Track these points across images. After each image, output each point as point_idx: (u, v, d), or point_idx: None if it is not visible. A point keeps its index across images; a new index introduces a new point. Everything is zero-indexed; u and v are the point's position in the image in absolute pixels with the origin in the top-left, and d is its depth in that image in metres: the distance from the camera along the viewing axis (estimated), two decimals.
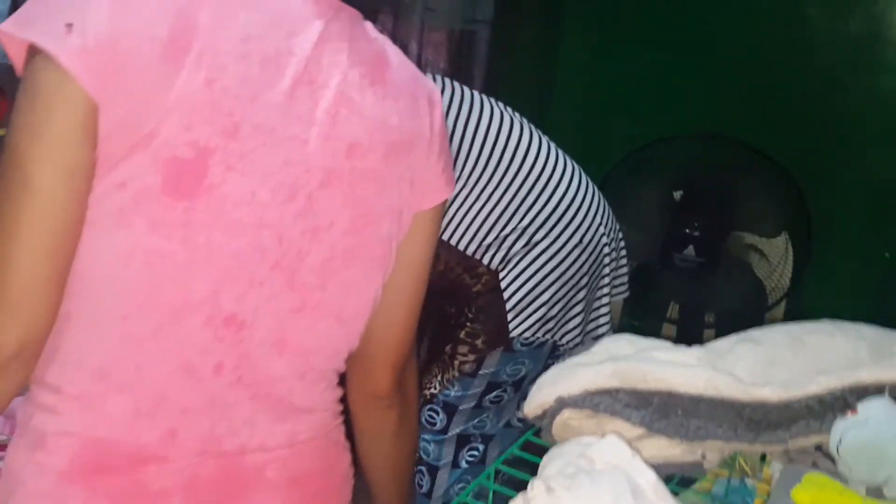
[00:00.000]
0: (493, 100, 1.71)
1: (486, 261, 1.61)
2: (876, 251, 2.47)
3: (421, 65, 2.52)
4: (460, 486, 1.76)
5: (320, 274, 0.87)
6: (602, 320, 1.75)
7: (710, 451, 0.94)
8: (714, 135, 2.26)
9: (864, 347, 0.99)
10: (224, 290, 0.82)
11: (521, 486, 0.82)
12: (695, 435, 0.92)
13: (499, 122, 1.64)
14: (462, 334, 1.69)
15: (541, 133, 1.70)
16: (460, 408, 1.68)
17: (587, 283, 1.66)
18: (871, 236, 2.48)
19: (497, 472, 1.04)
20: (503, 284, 1.61)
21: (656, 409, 0.93)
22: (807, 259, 2.24)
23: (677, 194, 2.33)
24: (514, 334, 1.61)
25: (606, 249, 1.68)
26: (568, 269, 1.63)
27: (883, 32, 2.39)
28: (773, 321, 2.24)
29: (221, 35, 0.79)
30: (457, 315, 1.71)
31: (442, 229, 1.58)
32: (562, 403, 0.96)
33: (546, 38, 2.47)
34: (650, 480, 0.82)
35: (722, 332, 2.40)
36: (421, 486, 1.78)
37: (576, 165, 1.70)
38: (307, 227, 0.85)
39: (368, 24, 0.93)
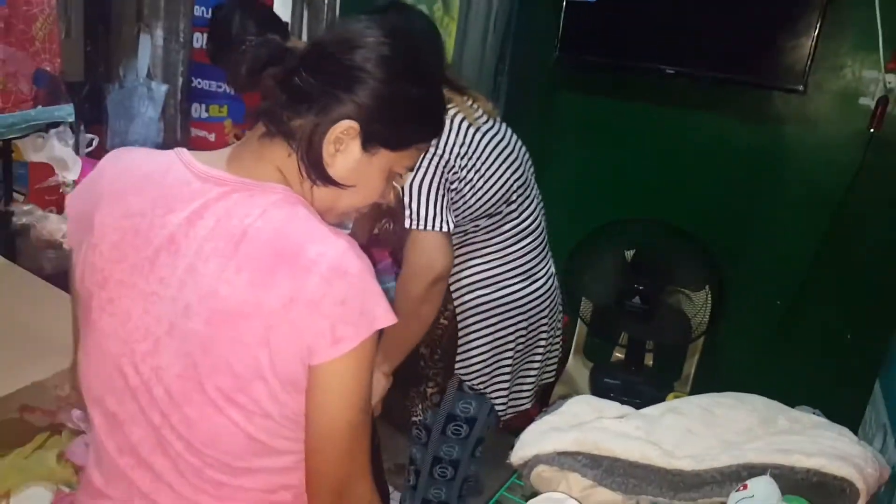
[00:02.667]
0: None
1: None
2: (770, 300, 2.65)
3: None
4: (435, 490, 1.89)
5: (166, 404, 0.90)
6: (525, 394, 1.88)
7: (643, 503, 1.01)
8: (657, 220, 2.49)
9: (756, 420, 1.07)
10: (107, 395, 0.94)
11: None
12: (632, 490, 1.00)
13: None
14: (431, 373, 1.80)
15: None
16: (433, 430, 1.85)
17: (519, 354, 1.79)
18: (768, 288, 2.65)
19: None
20: (460, 342, 1.74)
21: (605, 470, 1.02)
22: (720, 306, 2.48)
23: (629, 259, 2.55)
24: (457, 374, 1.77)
25: (544, 335, 1.83)
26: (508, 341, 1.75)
27: (781, 148, 2.59)
28: (695, 349, 2.58)
29: (108, 212, 0.92)
30: (430, 355, 1.81)
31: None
32: (537, 460, 1.05)
33: (541, 143, 2.44)
34: None
35: (658, 354, 2.72)
36: (409, 481, 1.93)
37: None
38: (154, 364, 0.90)
39: (267, 203, 0.88)
